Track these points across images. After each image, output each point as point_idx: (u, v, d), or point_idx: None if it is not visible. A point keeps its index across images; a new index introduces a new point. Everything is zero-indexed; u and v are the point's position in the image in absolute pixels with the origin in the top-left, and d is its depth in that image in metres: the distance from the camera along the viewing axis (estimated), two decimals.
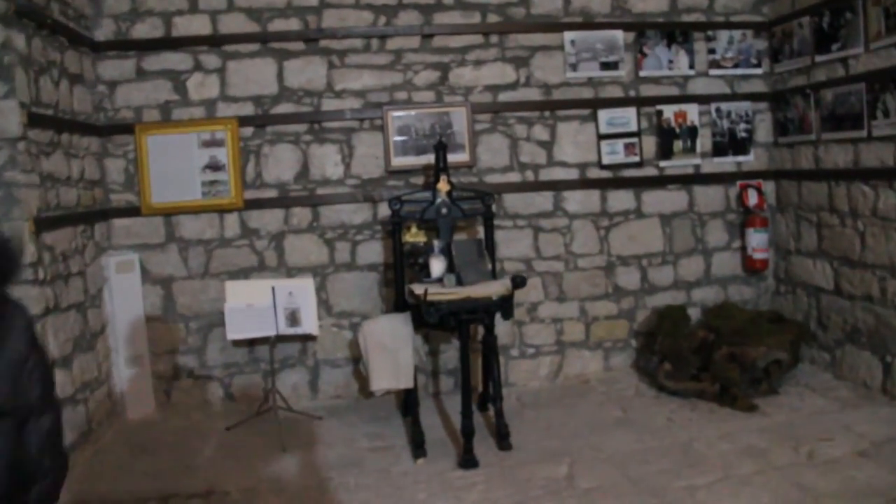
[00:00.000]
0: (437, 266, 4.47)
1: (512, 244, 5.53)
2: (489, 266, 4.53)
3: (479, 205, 4.79)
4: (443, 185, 4.66)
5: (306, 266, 5.37)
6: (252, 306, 4.85)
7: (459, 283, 4.33)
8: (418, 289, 4.21)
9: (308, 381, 5.43)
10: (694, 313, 5.67)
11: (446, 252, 4.55)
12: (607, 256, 5.65)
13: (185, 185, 5.29)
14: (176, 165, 5.26)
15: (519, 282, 4.09)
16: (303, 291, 4.95)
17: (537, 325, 5.59)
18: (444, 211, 4.64)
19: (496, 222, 5.17)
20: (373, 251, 5.42)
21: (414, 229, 4.74)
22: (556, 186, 5.55)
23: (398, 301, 4.73)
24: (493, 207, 4.83)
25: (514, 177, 5.54)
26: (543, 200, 5.56)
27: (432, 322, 4.06)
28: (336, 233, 5.38)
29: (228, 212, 5.32)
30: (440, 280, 4.44)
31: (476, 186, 5.33)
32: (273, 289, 4.89)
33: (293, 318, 4.90)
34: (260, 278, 5.30)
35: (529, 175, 5.54)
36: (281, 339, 5.13)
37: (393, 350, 4.43)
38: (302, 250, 5.38)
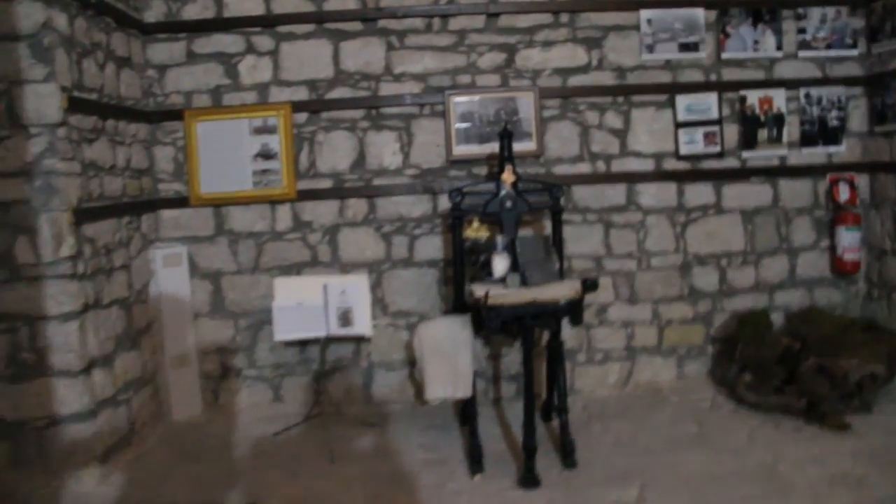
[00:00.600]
0: (500, 264, 4.07)
1: (581, 240, 5.09)
2: (556, 265, 4.11)
3: (546, 198, 4.36)
4: (507, 176, 4.25)
5: (361, 261, 5.02)
6: (302, 305, 4.52)
7: (524, 283, 3.92)
8: (479, 290, 3.80)
9: (361, 384, 5.09)
10: (777, 319, 5.15)
11: (510, 249, 4.14)
12: (683, 255, 5.18)
13: (236, 174, 4.97)
14: (226, 154, 4.95)
15: (590, 284, 3.66)
16: (356, 289, 4.60)
17: (606, 329, 5.14)
18: (508, 204, 4.23)
19: (564, 217, 4.74)
20: (432, 246, 5.04)
21: (476, 224, 4.34)
22: (630, 178, 5.10)
23: (457, 302, 4.33)
24: (562, 201, 4.41)
25: (584, 167, 5.09)
26: (616, 193, 5.11)
27: (493, 328, 3.68)
28: (393, 226, 5.02)
29: (280, 203, 4.99)
30: (503, 280, 4.03)
31: (543, 178, 4.91)
32: (325, 286, 4.54)
33: (345, 318, 4.56)
34: (312, 274, 4.97)
35: (601, 166, 5.09)
36: (333, 340, 4.80)
37: (450, 355, 4.03)
38: (357, 244, 5.03)
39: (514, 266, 4.07)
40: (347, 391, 5.07)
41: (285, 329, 4.51)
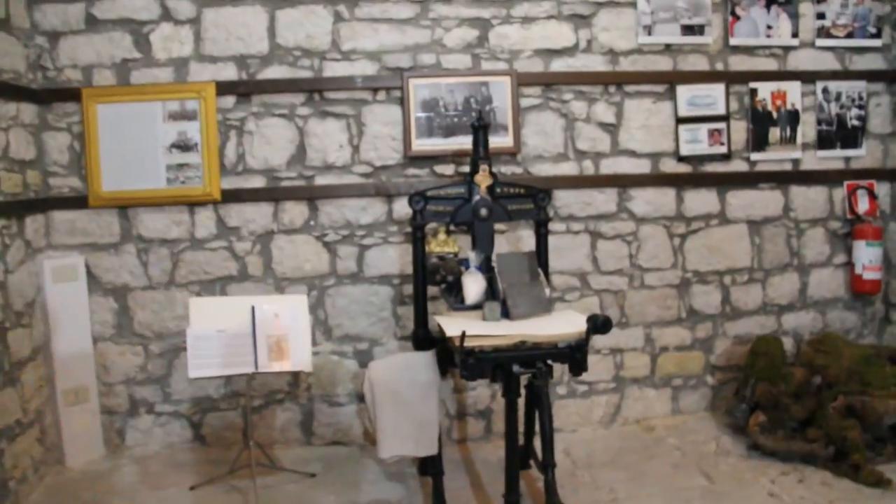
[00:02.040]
0: (473, 288, 3.16)
1: (564, 253, 4.17)
2: (546, 291, 3.18)
3: (529, 205, 3.43)
4: (482, 178, 3.34)
5: (300, 276, 4.05)
6: (224, 332, 3.56)
7: (506, 314, 3.03)
8: (448, 325, 2.89)
9: (300, 422, 4.12)
10: (785, 344, 4.37)
11: (485, 268, 3.26)
12: (682, 271, 4.31)
13: (147, 169, 3.95)
14: (134, 144, 3.92)
15: (600, 324, 2.71)
16: (293, 313, 3.63)
17: (591, 357, 4.17)
18: (483, 212, 3.31)
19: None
20: (386, 259, 4.08)
21: (442, 236, 3.42)
22: (622, 182, 4.20)
23: (419, 333, 3.38)
24: (548, 209, 3.53)
25: (568, 168, 4.18)
26: (605, 199, 4.21)
27: (470, 376, 2.76)
28: (339, 234, 4.05)
29: (201, 205, 3.98)
30: (478, 307, 3.13)
31: (524, 180, 4.04)
32: (253, 309, 3.59)
33: (279, 350, 3.61)
34: (240, 291, 3.99)
35: (588, 166, 4.19)
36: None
37: (410, 404, 3.09)
38: (295, 256, 4.05)
39: (492, 291, 3.18)
40: (283, 430, 4.11)
41: (201, 364, 3.50)
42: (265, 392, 4.07)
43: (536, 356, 2.70)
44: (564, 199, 4.15)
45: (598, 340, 4.13)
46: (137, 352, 4.02)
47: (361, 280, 4.08)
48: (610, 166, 4.20)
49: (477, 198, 3.32)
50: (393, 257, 4.07)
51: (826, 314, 4.47)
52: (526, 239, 4.12)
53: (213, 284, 4.02)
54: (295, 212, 4.02)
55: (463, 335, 2.62)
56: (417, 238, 3.34)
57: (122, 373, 4.02)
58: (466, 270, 3.21)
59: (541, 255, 3.40)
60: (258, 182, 4.00)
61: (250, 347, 3.55)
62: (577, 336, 2.77)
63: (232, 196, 3.97)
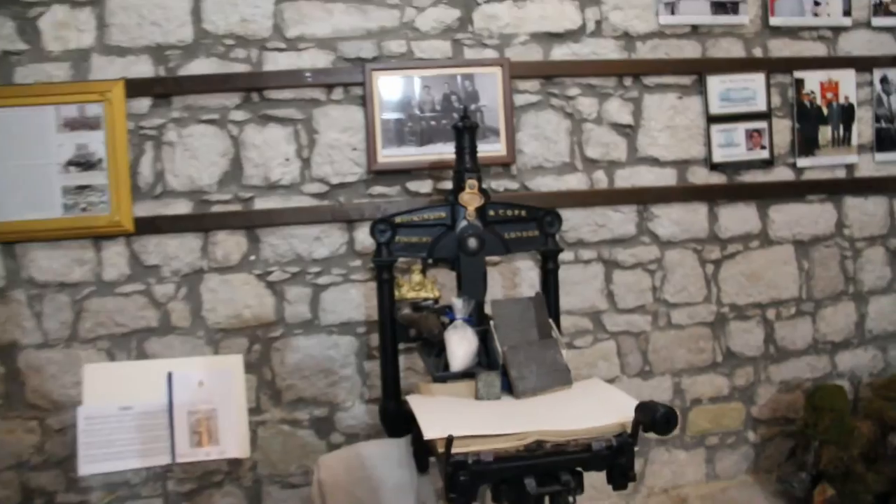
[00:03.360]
0: (460, 350, 2.23)
1: (573, 288, 3.24)
2: (563, 353, 2.21)
3: (532, 230, 2.49)
4: (470, 198, 2.41)
5: (238, 326, 3.07)
6: (130, 410, 2.62)
7: (508, 388, 2.11)
8: (425, 412, 1.91)
9: None
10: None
11: (476, 320, 2.35)
12: (716, 306, 3.39)
13: (37, 193, 2.98)
14: (20, 160, 2.93)
15: (660, 419, 1.70)
16: (224, 379, 2.73)
17: None
18: (472, 243, 2.36)
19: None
20: (348, 302, 3.12)
21: (417, 276, 2.49)
22: (642, 197, 3.29)
23: (388, 409, 2.40)
24: (557, 235, 2.64)
25: (575, 181, 3.26)
26: (622, 219, 3.28)
27: (463, 496, 1.84)
28: (287, 272, 3.08)
29: (109, 238, 3.00)
30: (469, 375, 2.25)
31: (517, 197, 3.15)
32: (169, 376, 2.68)
33: (205, 430, 2.69)
34: (164, 347, 3.01)
35: (600, 178, 3.27)
36: None
37: None
38: (231, 301, 3.07)
39: (486, 353, 2.26)
40: None
41: (96, 455, 2.57)
42: (199, 473, 3.11)
43: (560, 464, 1.76)
44: (572, 221, 3.24)
45: None
46: (31, 428, 3.03)
47: (317, 329, 3.13)
48: (627, 178, 3.29)
49: (463, 223, 2.38)
50: (356, 299, 3.12)
51: (888, 351, 3.58)
52: (525, 273, 3.21)
53: (126, 339, 3.05)
54: (230, 244, 3.07)
55: (449, 442, 1.70)
56: (383, 281, 2.41)
57: (12, 455, 3.04)
58: (450, 323, 2.30)
59: (549, 297, 2.49)
60: (182, 207, 3.04)
61: (165, 430, 2.62)
62: (617, 428, 1.84)
63: (148, 226, 3.00)
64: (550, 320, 2.28)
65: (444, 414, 1.89)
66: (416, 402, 1.98)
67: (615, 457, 1.77)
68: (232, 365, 2.72)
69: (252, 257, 3.08)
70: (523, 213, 2.46)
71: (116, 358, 3.05)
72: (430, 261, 2.44)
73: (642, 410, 1.77)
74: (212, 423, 2.59)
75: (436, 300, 2.44)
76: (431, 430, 1.73)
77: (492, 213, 2.43)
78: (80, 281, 3.01)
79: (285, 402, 3.13)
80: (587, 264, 3.26)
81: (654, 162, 3.30)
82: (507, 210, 2.44)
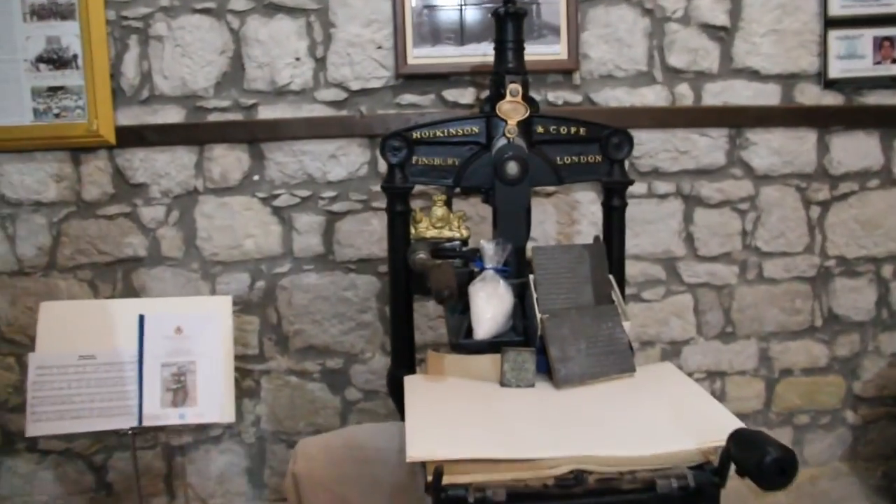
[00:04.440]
0: (487, 312, 1.63)
1: (643, 228, 2.61)
2: (626, 327, 1.57)
3: (594, 154, 1.83)
4: (512, 108, 1.79)
5: (238, 259, 2.55)
6: (91, 359, 2.15)
7: (545, 369, 1.54)
8: (418, 409, 1.35)
9: (245, 469, 2.69)
10: None
11: (515, 271, 1.79)
12: (821, 258, 2.70)
13: (2, 94, 2.50)
14: None
15: (770, 465, 1.04)
16: (207, 326, 2.22)
17: None
18: (511, 168, 1.73)
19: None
20: (368, 234, 2.55)
21: (440, 211, 1.91)
22: (736, 118, 2.57)
23: (398, 378, 1.84)
24: (626, 162, 2.00)
25: (653, 96, 2.55)
26: (709, 145, 2.58)
27: None
28: (297, 196, 2.52)
29: (88, 150, 2.49)
30: (496, 347, 1.62)
31: (579, 112, 2.52)
32: (141, 319, 2.19)
33: (182, 389, 2.21)
34: (153, 279, 2.52)
35: (684, 93, 2.55)
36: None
37: None
38: (230, 229, 2.53)
39: (524, 317, 1.69)
40: (222, 481, 2.66)
41: (48, 413, 2.10)
42: (196, 426, 2.69)
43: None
44: (646, 145, 2.56)
45: (689, 358, 2.69)
46: (9, 365, 2.61)
47: (331, 266, 2.58)
48: (718, 94, 2.57)
49: (501, 142, 1.77)
50: (379, 231, 2.52)
51: None
52: (586, 208, 2.58)
53: (111, 270, 2.56)
54: (229, 161, 2.51)
55: (438, 473, 1.12)
56: (396, 214, 1.82)
57: None
58: (478, 274, 1.73)
59: (613, 245, 1.87)
60: (173, 115, 2.47)
61: (133, 385, 2.14)
62: (697, 457, 1.20)
63: (133, 137, 2.45)
64: (612, 278, 1.67)
65: (446, 414, 1.32)
66: (412, 389, 1.41)
67: (693, 498, 1.18)
68: (218, 308, 2.22)
69: (255, 177, 2.52)
70: (582, 130, 1.81)
71: (100, 291, 2.56)
72: (457, 190, 1.85)
73: (741, 443, 1.15)
74: (190, 378, 2.11)
75: (464, 241, 1.84)
76: (417, 444, 1.15)
77: (540, 129, 1.80)
78: (58, 200, 2.51)
79: (293, 349, 2.62)
80: (663, 199, 2.60)
81: (754, 75, 2.56)
82: (561, 126, 1.80)
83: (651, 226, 2.60)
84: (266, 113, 2.47)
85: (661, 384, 1.46)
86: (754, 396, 2.74)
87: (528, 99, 1.78)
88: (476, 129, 1.79)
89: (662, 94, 2.54)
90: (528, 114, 1.75)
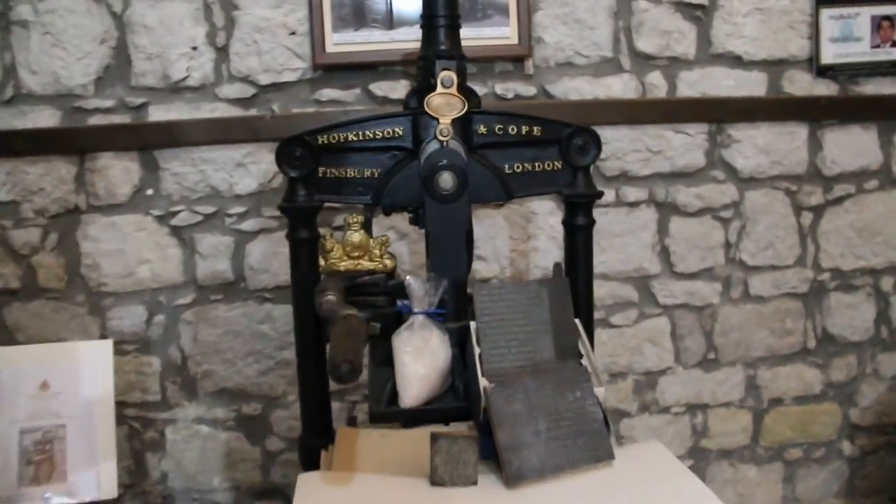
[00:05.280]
0: (414, 372, 1.26)
1: (611, 242, 2.20)
2: (600, 395, 1.15)
3: (552, 160, 1.42)
4: (445, 102, 1.41)
5: (131, 289, 2.08)
6: None
7: (493, 456, 1.12)
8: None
9: None
10: None
11: (453, 312, 1.38)
12: (814, 271, 2.32)
13: None
14: None
15: None
16: (81, 380, 1.77)
17: (654, 418, 2.34)
18: (445, 182, 1.32)
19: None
20: (285, 257, 1.96)
21: (356, 235, 1.48)
22: (716, 112, 2.17)
23: (309, 452, 1.38)
24: (591, 168, 1.59)
25: (619, 86, 2.15)
26: (687, 144, 2.19)
27: None
28: (198, 213, 2.07)
29: None
30: (429, 418, 1.22)
31: (532, 107, 2.14)
32: None
33: (46, 462, 1.75)
34: (29, 316, 2.04)
35: (657, 83, 2.15)
36: None
37: None
38: (121, 253, 2.06)
39: (465, 382, 1.30)
40: None
41: None
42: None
43: None
44: (613, 145, 2.16)
45: (666, 390, 2.32)
46: None
47: (242, 295, 2.13)
48: (695, 84, 2.17)
49: (433, 146, 1.36)
50: None
51: None
52: (543, 221, 2.18)
53: None
54: (116, 172, 2.04)
55: None
56: (300, 241, 1.40)
57: None
58: (402, 321, 1.32)
59: (577, 274, 1.49)
60: (46, 118, 2.00)
61: None
62: None
63: None
64: (578, 324, 1.28)
65: None
66: (304, 491, 1.00)
67: None
68: (95, 355, 1.78)
69: (149, 191, 2.06)
70: (537, 130, 1.41)
71: None
72: (375, 210, 1.45)
73: None
74: (58, 446, 1.66)
75: (389, 274, 1.45)
76: None
77: (482, 129, 1.39)
78: None
79: (202, 394, 2.17)
80: (633, 208, 2.20)
81: (736, 61, 2.17)
82: (510, 125, 1.40)
83: (620, 239, 2.21)
84: (159, 114, 2.02)
85: (649, 478, 1.06)
86: (740, 430, 2.36)
87: (465, 90, 1.37)
88: (400, 131, 1.37)
89: (631, 85, 2.14)
90: (465, 109, 1.34)
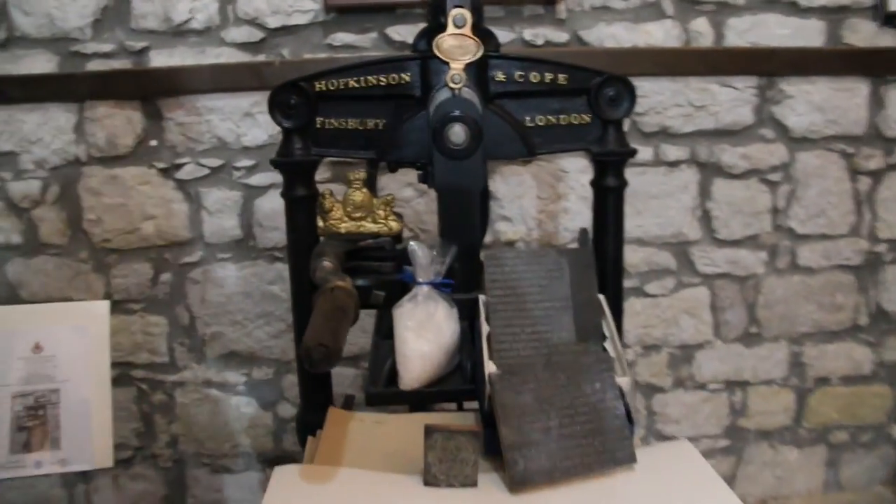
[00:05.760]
0: (415, 350, 1.12)
1: (648, 204, 2.02)
2: (622, 384, 0.99)
3: (580, 113, 1.23)
4: (457, 45, 1.25)
5: (136, 245, 1.97)
6: None
7: (497, 451, 0.97)
8: None
9: (163, 499, 2.13)
10: None
11: (465, 284, 1.24)
12: (869, 242, 2.11)
13: None
14: None
15: None
16: (75, 342, 1.67)
17: (689, 394, 2.19)
18: (457, 135, 1.16)
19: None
20: None
21: (358, 194, 1.33)
22: (768, 63, 1.95)
23: (306, 428, 1.21)
24: (627, 122, 1.39)
25: (661, 33, 1.93)
26: (733, 99, 1.98)
27: None
28: (204, 167, 1.94)
29: None
30: (430, 399, 1.09)
31: (564, 53, 1.94)
32: None
33: (39, 428, 1.66)
34: (32, 270, 1.96)
35: (702, 31, 1.93)
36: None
37: None
38: (123, 208, 1.95)
39: (475, 362, 1.16)
40: None
41: None
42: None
43: None
44: (652, 98, 1.96)
45: (703, 365, 2.16)
46: None
47: (252, 254, 2.00)
48: (745, 32, 1.95)
49: (443, 95, 1.20)
50: None
51: None
52: (574, 179, 2.03)
53: None
54: (117, 122, 1.91)
55: None
56: (296, 200, 1.25)
57: None
58: (405, 291, 1.18)
59: (607, 243, 1.33)
60: (42, 63, 1.87)
61: None
62: None
63: None
64: (603, 300, 1.12)
65: None
66: (277, 487, 0.88)
67: None
68: (90, 316, 1.68)
69: (152, 142, 1.94)
70: (562, 77, 1.22)
71: None
72: (380, 164, 1.30)
73: None
74: (51, 412, 1.56)
75: (396, 237, 1.31)
76: None
77: (501, 75, 1.21)
78: None
79: (211, 357, 2.07)
80: (673, 168, 2.02)
81: (791, 7, 1.94)
82: (531, 72, 1.22)
83: (657, 202, 2.03)
84: (161, 59, 1.88)
85: (672, 486, 0.91)
86: (782, 410, 2.20)
87: (482, 32, 1.21)
88: (407, 77, 1.21)
89: (673, 32, 1.93)
90: (480, 53, 1.17)
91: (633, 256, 2.04)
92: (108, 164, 1.94)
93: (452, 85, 1.16)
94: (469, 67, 1.17)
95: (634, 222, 2.01)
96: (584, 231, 1.27)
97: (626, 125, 1.96)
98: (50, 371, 1.60)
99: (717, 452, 2.21)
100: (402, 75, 1.20)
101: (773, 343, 2.14)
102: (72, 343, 1.60)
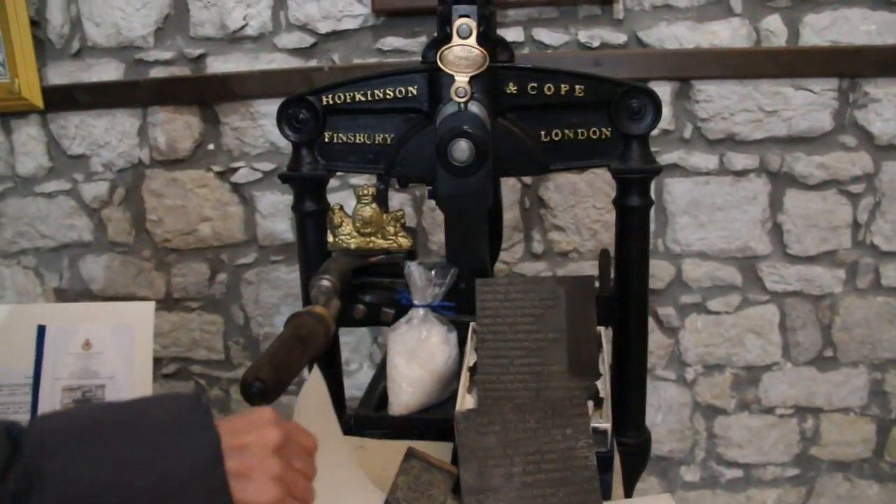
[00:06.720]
0: (405, 376, 1.04)
1: (713, 216, 1.86)
2: (601, 429, 0.90)
3: (597, 126, 1.11)
4: (462, 56, 1.10)
5: (194, 246, 2.02)
6: None
7: None
8: None
9: None
10: None
11: (463, 308, 1.18)
12: None
13: None
14: None
15: None
16: (122, 340, 1.72)
17: (754, 418, 2.05)
18: (460, 152, 1.06)
19: (667, 163, 1.76)
20: None
21: (367, 209, 1.28)
22: (848, 63, 1.74)
23: None
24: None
25: (728, 33, 1.76)
26: (809, 102, 1.78)
27: None
28: (258, 170, 1.95)
29: (18, 115, 2.04)
30: (423, 429, 1.03)
31: (620, 57, 1.80)
32: (41, 332, 1.71)
33: None
34: (100, 267, 2.05)
35: (774, 28, 1.75)
36: None
37: None
38: (182, 210, 1.99)
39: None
40: None
41: None
42: None
43: None
44: (717, 103, 1.81)
45: (770, 389, 2.00)
46: None
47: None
48: (824, 30, 1.77)
49: (449, 109, 1.14)
50: None
51: None
52: (590, 185, 1.93)
53: (56, 256, 2.10)
54: (177, 127, 1.95)
55: None
56: (305, 215, 1.21)
57: None
58: (400, 313, 1.13)
59: (630, 269, 1.19)
60: (110, 71, 1.93)
61: (25, 413, 1.69)
62: None
63: (63, 99, 1.94)
64: (602, 333, 1.02)
65: None
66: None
67: None
68: (136, 317, 1.73)
69: (210, 146, 1.97)
70: (579, 89, 1.12)
71: (46, 280, 2.14)
72: (390, 181, 1.25)
73: None
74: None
75: (409, 253, 1.26)
76: None
77: (512, 87, 1.13)
78: None
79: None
80: (740, 177, 1.86)
81: (878, 1, 1.80)
82: (546, 83, 1.13)
83: (723, 213, 1.88)
84: (217, 65, 1.90)
85: None
86: (860, 441, 2.00)
87: (492, 42, 1.13)
88: (414, 90, 1.15)
89: (742, 32, 1.78)
90: (486, 65, 1.10)
91: (695, 271, 1.91)
92: (169, 167, 1.99)
93: (457, 98, 1.09)
94: (477, 79, 1.10)
95: (696, 235, 1.88)
96: (605, 252, 1.19)
97: (689, 132, 1.83)
98: (97, 367, 1.65)
99: (785, 482, 2.04)
100: (409, 88, 1.15)
101: (850, 368, 1.95)
102: (118, 342, 1.66)
